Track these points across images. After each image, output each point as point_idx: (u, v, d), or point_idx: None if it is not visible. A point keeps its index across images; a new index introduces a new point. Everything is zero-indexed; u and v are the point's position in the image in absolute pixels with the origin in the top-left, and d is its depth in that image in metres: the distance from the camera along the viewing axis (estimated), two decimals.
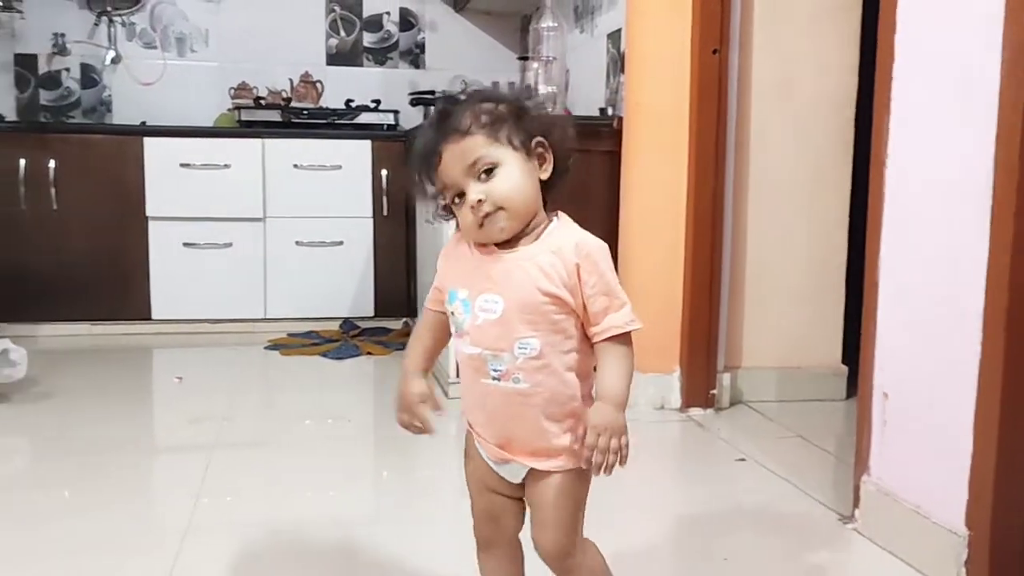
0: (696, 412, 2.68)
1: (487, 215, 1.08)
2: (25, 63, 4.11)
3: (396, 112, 4.11)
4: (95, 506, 1.90)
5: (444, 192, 1.11)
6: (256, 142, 3.78)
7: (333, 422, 2.61)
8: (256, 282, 3.84)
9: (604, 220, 2.84)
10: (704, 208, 2.65)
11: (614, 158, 2.80)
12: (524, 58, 3.38)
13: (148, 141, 3.70)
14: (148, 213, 3.72)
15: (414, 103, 4.17)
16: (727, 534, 1.82)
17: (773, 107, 2.74)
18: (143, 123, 3.94)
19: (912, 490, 1.66)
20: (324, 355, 3.43)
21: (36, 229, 3.64)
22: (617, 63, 3.18)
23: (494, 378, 1.12)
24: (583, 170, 2.86)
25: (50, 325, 3.67)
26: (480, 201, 1.08)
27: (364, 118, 4.08)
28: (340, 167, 3.86)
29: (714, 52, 2.58)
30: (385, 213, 3.91)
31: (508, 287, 1.10)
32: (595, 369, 1.15)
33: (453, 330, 1.16)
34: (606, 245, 1.14)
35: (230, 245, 3.80)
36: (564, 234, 1.13)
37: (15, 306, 3.48)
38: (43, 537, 1.74)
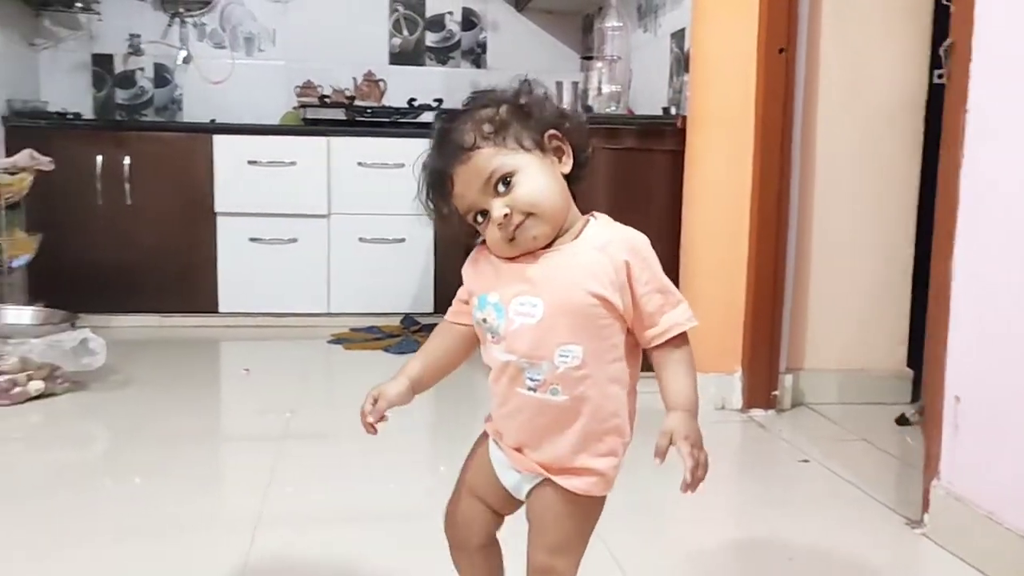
0: (757, 413, 2.67)
1: (517, 226, 1.00)
2: (102, 63, 4.25)
3: None
4: (170, 493, 1.97)
5: (465, 215, 1.04)
6: (321, 140, 3.86)
7: (393, 416, 2.66)
8: (320, 277, 3.92)
9: (666, 219, 2.85)
10: (768, 208, 2.64)
11: (677, 157, 2.80)
12: (588, 57, 3.39)
13: (217, 138, 3.80)
14: (216, 209, 3.82)
15: None
16: (791, 534, 1.82)
17: (841, 108, 2.72)
18: (212, 121, 4.04)
19: (985, 496, 1.65)
20: (386, 350, 3.49)
21: (111, 223, 3.76)
22: (681, 62, 3.17)
23: (530, 388, 1.03)
24: (645, 169, 2.87)
25: (123, 316, 3.78)
26: (506, 215, 1.00)
27: (426, 117, 4.13)
28: (403, 165, 3.91)
29: (780, 51, 2.57)
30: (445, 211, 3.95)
31: (549, 288, 1.01)
32: (633, 388, 1.08)
33: (488, 337, 1.06)
34: (647, 239, 1.06)
35: (295, 241, 3.89)
36: (607, 230, 1.05)
37: (92, 297, 3.60)
38: (119, 522, 1.81)
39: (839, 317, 2.79)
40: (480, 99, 1.06)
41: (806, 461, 2.25)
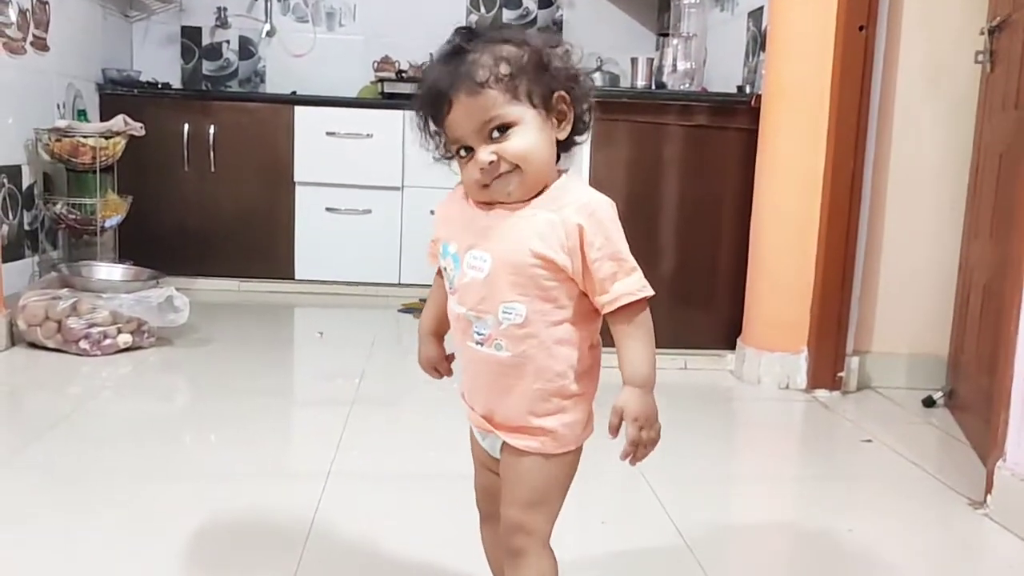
0: (822, 393, 2.66)
1: (499, 176, 0.97)
2: (190, 35, 4.41)
3: None
4: (245, 444, 2.07)
5: (451, 143, 1.00)
6: (397, 113, 3.94)
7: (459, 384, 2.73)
8: (392, 248, 4.02)
9: (737, 197, 2.86)
10: (841, 189, 2.62)
11: (750, 136, 2.80)
12: (664, 34, 3.39)
13: (298, 110, 3.91)
14: (296, 178, 3.94)
15: None
16: (851, 509, 1.83)
17: (922, 91, 2.67)
18: (294, 93, 4.16)
19: None
20: None
21: (196, 189, 3.92)
22: (758, 41, 3.15)
23: (477, 342, 1.02)
24: (717, 147, 2.87)
25: (204, 279, 3.94)
26: (492, 163, 0.96)
27: None
28: None
29: (860, 29, 2.54)
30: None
31: (498, 245, 0.99)
32: (591, 347, 1.06)
33: (448, 287, 1.06)
34: (614, 204, 1.01)
35: (369, 212, 3.99)
36: (570, 192, 1.01)
37: (176, 260, 3.76)
38: (197, 468, 1.93)
39: (910, 301, 2.75)
40: (505, 32, 1.00)
41: (869, 441, 2.25)
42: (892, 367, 2.77)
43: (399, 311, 3.74)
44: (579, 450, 1.09)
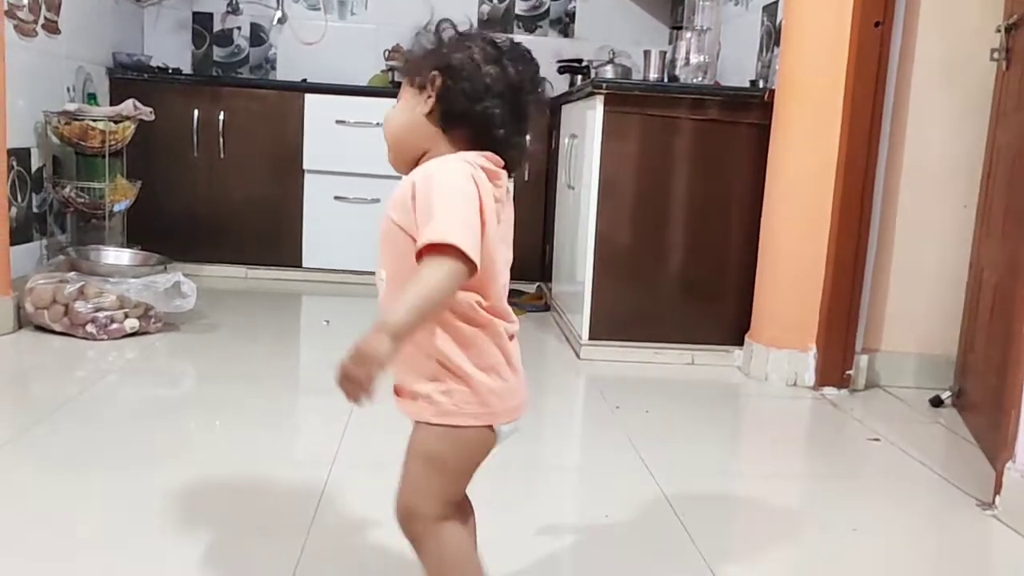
0: (830, 391, 2.65)
1: None
2: (201, 21, 4.40)
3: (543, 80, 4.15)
4: (250, 430, 2.08)
5: None
6: None
7: None
8: None
9: (748, 192, 2.84)
10: (853, 186, 2.60)
11: (762, 131, 2.78)
12: (678, 27, 3.36)
13: (309, 98, 3.91)
14: (305, 166, 3.93)
15: (561, 71, 4.23)
16: (856, 507, 1.82)
17: (937, 88, 2.65)
18: (304, 80, 4.15)
19: None
20: None
21: (205, 175, 3.91)
22: (772, 36, 3.13)
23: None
24: (729, 141, 2.86)
25: (211, 266, 3.94)
26: None
27: None
28: None
29: (876, 25, 2.52)
30: (526, 178, 4.00)
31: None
32: (471, 321, 1.02)
33: None
34: (464, 173, 0.98)
35: (377, 201, 3.98)
36: (433, 162, 1.02)
37: (183, 246, 3.76)
38: (201, 452, 1.93)
39: (919, 300, 2.74)
40: (440, 26, 1.06)
41: (876, 440, 2.24)
42: (901, 366, 2.75)
43: None
44: (476, 432, 1.03)
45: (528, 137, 1.08)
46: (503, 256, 1.06)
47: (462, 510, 1.11)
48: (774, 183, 2.72)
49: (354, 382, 0.92)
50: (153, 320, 2.84)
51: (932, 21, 2.62)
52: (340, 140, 3.92)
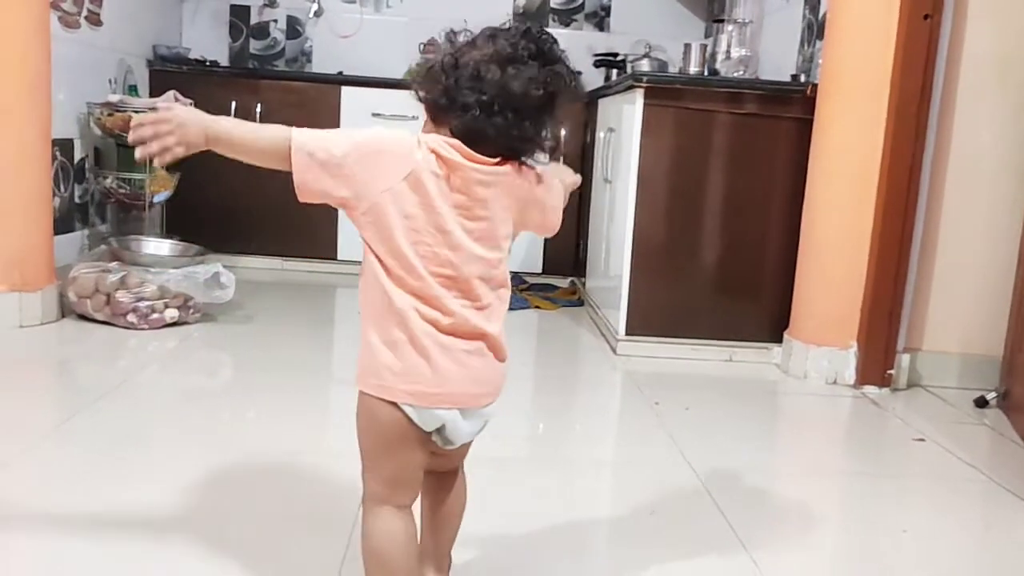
0: (871, 390, 2.61)
1: None
2: (239, 14, 4.43)
3: (578, 73, 4.12)
4: (287, 422, 2.08)
5: None
6: None
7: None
8: None
9: (788, 187, 2.81)
10: (898, 182, 2.56)
11: (804, 126, 2.75)
12: (719, 20, 3.33)
13: (345, 90, 3.92)
14: None
15: (597, 65, 4.21)
16: (905, 508, 1.79)
17: (987, 83, 2.60)
18: (340, 73, 4.16)
19: None
20: None
21: (242, 169, 3.86)
22: (814, 29, 3.09)
23: None
24: (770, 136, 2.83)
25: (248, 257, 3.97)
26: None
27: None
28: None
29: (925, 18, 2.47)
30: None
31: None
32: (377, 276, 1.05)
33: None
34: (381, 132, 1.05)
35: None
36: None
37: (221, 237, 3.78)
38: (239, 444, 1.94)
39: (964, 299, 2.69)
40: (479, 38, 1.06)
41: (921, 440, 2.20)
42: (943, 366, 2.71)
43: None
44: (379, 405, 1.06)
45: (540, 127, 1.05)
46: (449, 240, 1.03)
47: (416, 500, 1.13)
48: (816, 178, 2.69)
49: (143, 127, 1.02)
50: (192, 310, 2.86)
51: (983, 14, 2.57)
52: None
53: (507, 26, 1.07)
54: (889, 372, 2.63)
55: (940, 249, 2.68)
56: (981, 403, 2.51)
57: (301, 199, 1.04)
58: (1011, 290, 2.55)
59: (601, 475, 1.92)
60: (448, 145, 1.02)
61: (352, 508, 1.57)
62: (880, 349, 2.63)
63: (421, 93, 1.07)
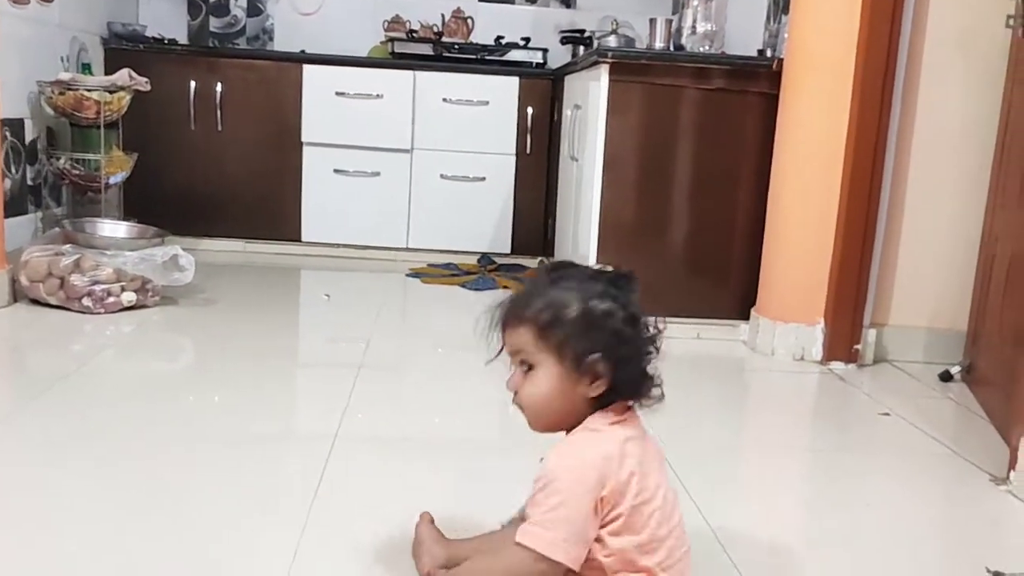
0: (837, 366, 2.61)
1: (518, 405, 1.09)
2: None
3: (545, 50, 4.10)
4: (248, 407, 2.02)
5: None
6: (408, 74, 3.87)
7: (466, 352, 2.67)
8: (401, 212, 3.96)
9: (754, 163, 2.80)
10: (864, 157, 2.55)
11: (770, 101, 2.73)
12: None
13: (307, 68, 3.84)
14: (303, 139, 3.87)
15: (564, 42, 4.17)
16: (869, 482, 1.79)
17: (951, 55, 2.59)
18: (302, 51, 4.08)
19: None
20: (463, 286, 3.52)
21: (203, 148, 3.85)
22: (779, 3, 3.07)
23: None
24: (736, 111, 2.80)
25: (210, 240, 3.89)
26: (513, 393, 1.08)
27: (513, 55, 4.09)
28: (487, 103, 3.90)
29: None
30: (528, 151, 3.94)
31: None
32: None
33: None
34: (586, 475, 1.01)
35: (378, 174, 3.92)
36: (568, 443, 1.06)
37: (182, 220, 3.71)
38: (198, 430, 1.89)
39: (930, 274, 2.69)
40: (579, 283, 1.06)
41: (887, 414, 2.20)
42: (910, 341, 2.71)
43: (407, 275, 3.69)
44: None
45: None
46: (657, 501, 1.05)
47: None
48: (782, 154, 2.67)
49: None
50: (150, 294, 2.79)
51: None
52: (340, 112, 3.85)
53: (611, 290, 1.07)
54: (856, 347, 2.63)
55: (906, 224, 2.68)
56: (946, 377, 2.52)
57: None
58: (976, 264, 2.56)
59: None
60: (614, 413, 1.08)
61: (310, 492, 1.53)
62: (847, 325, 2.62)
63: (600, 379, 1.06)
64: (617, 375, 1.04)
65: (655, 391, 1.08)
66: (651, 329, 1.08)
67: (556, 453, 1.04)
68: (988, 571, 1.38)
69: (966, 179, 2.63)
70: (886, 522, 1.59)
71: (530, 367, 1.06)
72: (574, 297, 1.04)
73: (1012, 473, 1.74)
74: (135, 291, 2.74)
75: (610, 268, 1.10)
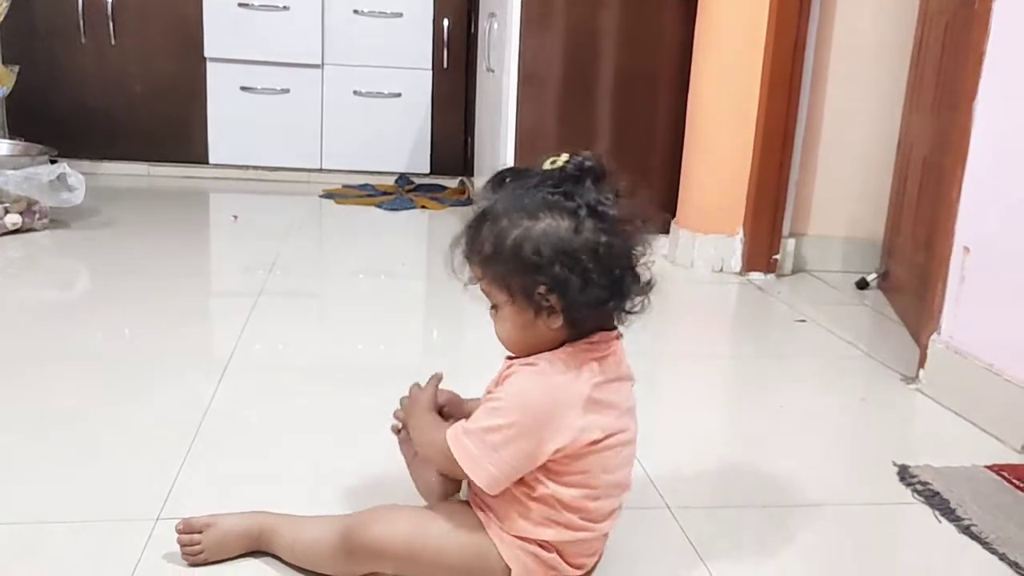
0: (756, 276, 2.60)
1: None
2: None
3: None
4: (142, 332, 1.90)
5: None
6: None
7: (386, 276, 2.57)
8: (313, 131, 3.79)
9: (673, 69, 2.72)
10: (782, 63, 2.49)
11: (690, 6, 2.64)
12: None
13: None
14: (206, 53, 3.65)
15: None
16: (782, 386, 1.77)
17: None
18: None
19: (987, 348, 1.58)
20: (379, 206, 3.40)
21: (96, 64, 3.60)
22: None
23: None
24: (653, 14, 2.72)
25: (110, 163, 3.68)
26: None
27: None
28: (401, 15, 3.73)
29: None
30: (445, 66, 3.79)
31: None
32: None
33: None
34: (540, 401, 0.92)
35: (287, 91, 3.74)
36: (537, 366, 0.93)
37: (76, 141, 3.48)
38: (89, 354, 1.77)
39: (848, 183, 2.68)
40: (517, 200, 0.91)
41: (803, 321, 2.19)
42: (827, 250, 2.71)
43: (320, 197, 3.54)
44: None
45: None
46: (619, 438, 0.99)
47: None
48: (701, 62, 2.60)
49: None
50: (38, 216, 2.61)
51: None
52: (244, 25, 3.63)
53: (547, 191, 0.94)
54: (775, 258, 2.62)
55: (824, 133, 2.65)
56: (862, 285, 2.52)
57: None
58: (892, 172, 2.55)
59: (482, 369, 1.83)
60: (590, 346, 0.99)
61: (194, 422, 1.43)
62: (766, 235, 2.60)
63: (550, 311, 0.93)
64: (568, 309, 0.90)
65: (633, 306, 0.95)
66: (629, 225, 0.94)
67: (523, 376, 0.93)
68: (895, 464, 1.37)
69: (883, 87, 2.60)
70: (801, 424, 1.57)
71: (495, 305, 0.95)
72: (511, 220, 0.90)
73: (921, 371, 1.74)
74: (20, 213, 2.56)
75: (564, 157, 0.95)
